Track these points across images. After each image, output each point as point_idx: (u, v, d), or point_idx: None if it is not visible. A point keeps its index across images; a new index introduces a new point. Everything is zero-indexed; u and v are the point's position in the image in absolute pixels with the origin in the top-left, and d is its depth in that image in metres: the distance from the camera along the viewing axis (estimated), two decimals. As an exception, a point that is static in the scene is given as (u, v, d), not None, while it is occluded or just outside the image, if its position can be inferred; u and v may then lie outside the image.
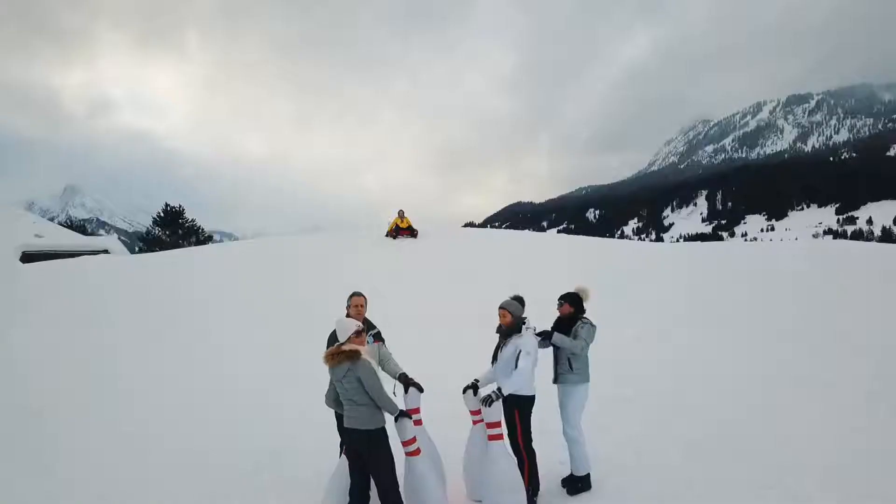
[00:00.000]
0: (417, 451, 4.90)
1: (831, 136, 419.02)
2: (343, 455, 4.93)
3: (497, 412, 5.06)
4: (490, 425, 5.07)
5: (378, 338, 5.65)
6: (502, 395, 4.98)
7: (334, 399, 4.79)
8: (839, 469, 5.72)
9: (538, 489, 5.28)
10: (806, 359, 9.55)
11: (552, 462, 5.71)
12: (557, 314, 5.74)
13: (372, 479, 4.67)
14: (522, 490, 4.96)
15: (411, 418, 4.92)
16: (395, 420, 4.75)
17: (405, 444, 4.84)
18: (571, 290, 5.70)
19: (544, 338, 5.41)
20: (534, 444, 5.28)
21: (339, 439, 5.17)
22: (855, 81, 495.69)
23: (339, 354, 4.51)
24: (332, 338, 5.17)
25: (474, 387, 5.35)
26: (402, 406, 4.93)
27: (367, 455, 4.55)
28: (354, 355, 4.51)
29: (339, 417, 4.89)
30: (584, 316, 5.62)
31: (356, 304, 5.52)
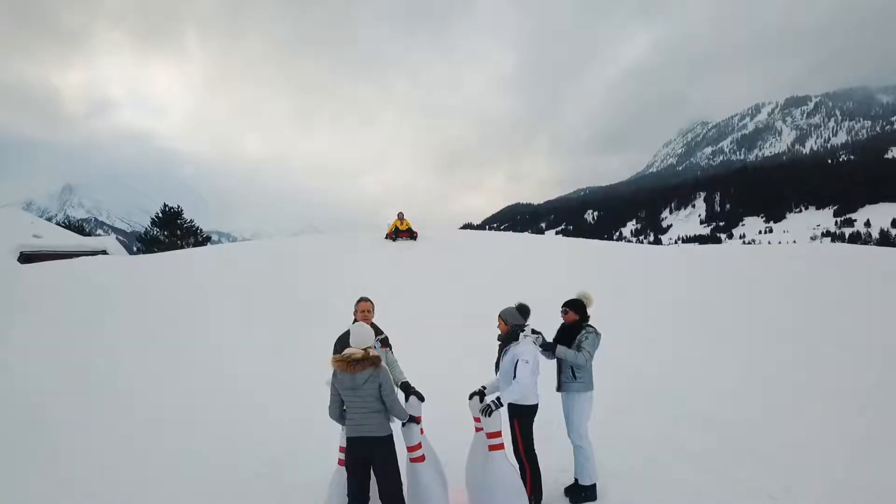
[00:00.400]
0: (422, 458, 4.90)
1: (829, 139, 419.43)
2: (342, 465, 4.89)
3: (496, 422, 5.04)
4: (490, 435, 5.05)
5: (385, 343, 5.61)
6: (501, 404, 4.97)
7: (340, 410, 4.69)
8: (843, 474, 5.71)
9: (541, 498, 5.23)
10: (806, 361, 9.59)
11: (555, 470, 5.68)
12: (560, 320, 5.72)
13: (377, 487, 4.63)
14: (525, 499, 4.94)
15: (418, 424, 4.91)
16: (402, 425, 4.73)
17: (410, 449, 4.84)
18: (574, 297, 5.67)
19: (546, 348, 5.38)
20: (536, 453, 5.25)
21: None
22: (853, 84, 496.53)
23: (365, 360, 4.47)
24: (341, 343, 5.20)
25: (481, 394, 5.32)
26: None
27: (378, 462, 4.50)
28: (378, 361, 4.50)
29: None
30: (589, 324, 5.59)
31: (363, 309, 5.49)
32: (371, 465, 4.54)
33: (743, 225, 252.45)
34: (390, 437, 4.59)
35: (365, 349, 4.53)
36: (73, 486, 5.88)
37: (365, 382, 4.45)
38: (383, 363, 4.58)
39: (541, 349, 5.30)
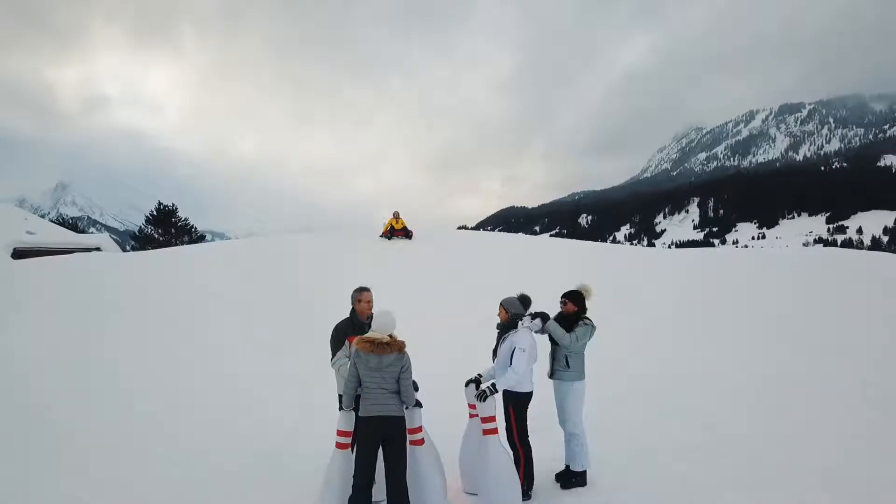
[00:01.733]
0: (421, 441, 5.01)
1: (822, 146, 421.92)
2: (342, 449, 4.98)
3: (491, 407, 5.17)
4: (485, 420, 5.18)
5: None
6: (496, 390, 5.11)
7: (356, 390, 4.85)
8: (837, 470, 5.81)
9: (533, 483, 5.36)
10: (803, 360, 9.74)
11: (546, 457, 5.77)
12: (559, 313, 5.81)
13: (384, 468, 4.74)
14: (517, 484, 5.04)
15: (422, 407, 5.05)
16: (406, 408, 4.87)
17: (412, 431, 4.95)
18: (573, 289, 5.77)
19: (538, 316, 5.49)
20: (530, 440, 5.37)
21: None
22: (847, 91, 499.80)
23: (393, 344, 4.73)
24: (337, 332, 5.41)
25: (476, 381, 5.46)
26: None
27: (390, 441, 4.67)
28: (403, 346, 4.76)
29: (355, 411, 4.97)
30: (586, 316, 5.68)
31: (367, 299, 5.56)
32: (382, 444, 4.70)
33: (736, 230, 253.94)
34: (404, 418, 4.80)
35: (390, 335, 4.77)
36: (72, 484, 5.81)
37: (389, 364, 4.68)
38: (406, 349, 4.82)
39: (531, 318, 5.43)
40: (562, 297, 5.77)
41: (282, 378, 9.22)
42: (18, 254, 27.73)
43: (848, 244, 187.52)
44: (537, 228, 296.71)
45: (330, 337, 5.53)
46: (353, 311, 5.56)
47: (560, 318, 5.70)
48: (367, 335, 4.80)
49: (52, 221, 49.38)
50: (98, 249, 30.07)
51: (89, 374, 9.26)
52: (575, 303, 5.67)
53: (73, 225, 53.77)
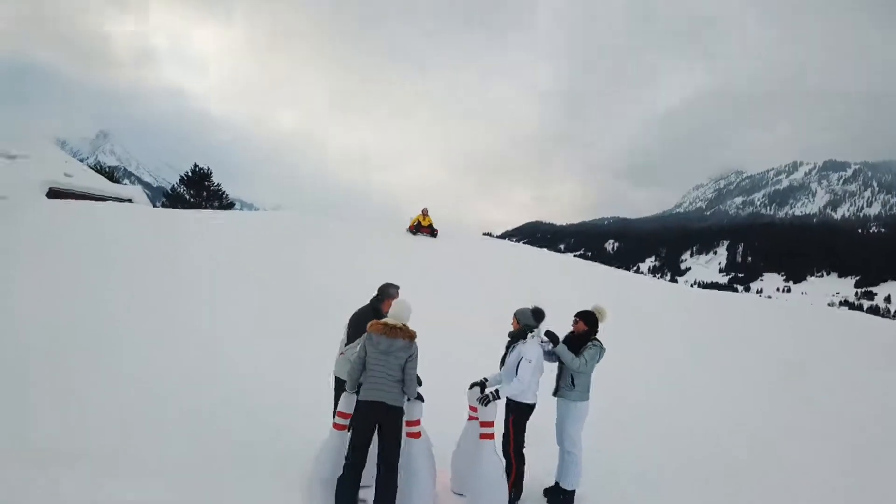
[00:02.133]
0: (418, 434, 5.07)
1: (863, 208, 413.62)
2: (339, 430, 5.01)
3: (492, 412, 5.22)
4: (483, 424, 5.23)
5: None
6: (499, 396, 5.17)
7: (360, 374, 4.89)
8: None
9: (521, 494, 5.38)
10: (806, 408, 9.86)
11: (539, 471, 5.79)
12: (570, 332, 5.80)
13: (377, 456, 4.80)
14: (505, 492, 5.08)
15: (423, 401, 5.11)
16: (408, 400, 4.94)
17: (410, 423, 5.01)
18: (588, 309, 5.74)
19: (550, 339, 5.54)
20: (525, 452, 5.38)
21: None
22: (895, 157, 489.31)
23: (405, 329, 4.85)
24: (357, 318, 5.50)
25: (481, 385, 5.51)
26: None
27: (387, 429, 4.75)
28: (414, 336, 4.87)
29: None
30: (596, 338, 5.66)
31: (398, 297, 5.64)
32: (378, 430, 4.77)
33: (762, 280, 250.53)
34: (402, 409, 4.87)
35: (403, 323, 4.89)
36: (87, 453, 5.38)
37: (398, 350, 4.78)
38: (416, 340, 4.91)
39: (543, 339, 5.49)
40: (575, 315, 5.77)
41: (287, 359, 9.11)
42: (53, 193, 28.25)
43: (874, 311, 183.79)
44: (562, 246, 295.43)
45: (349, 322, 5.56)
46: (376, 301, 5.60)
47: (569, 338, 5.69)
48: (382, 319, 4.93)
49: (89, 167, 50.22)
50: (130, 201, 30.58)
51: (101, 346, 8.52)
52: (586, 322, 5.68)
53: (109, 174, 54.59)
